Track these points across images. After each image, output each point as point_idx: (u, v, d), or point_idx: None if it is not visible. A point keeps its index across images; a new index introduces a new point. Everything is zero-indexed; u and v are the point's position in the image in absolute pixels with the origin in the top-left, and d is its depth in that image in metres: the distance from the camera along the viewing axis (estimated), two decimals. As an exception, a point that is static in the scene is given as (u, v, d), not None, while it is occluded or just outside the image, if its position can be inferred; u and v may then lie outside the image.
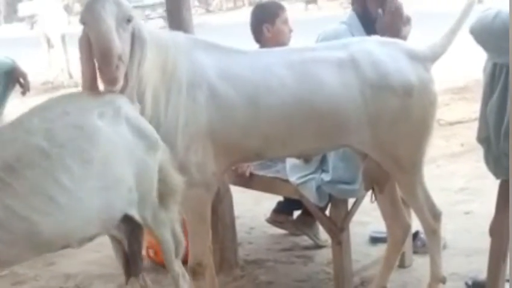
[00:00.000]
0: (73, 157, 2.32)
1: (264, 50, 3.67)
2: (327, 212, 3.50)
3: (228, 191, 3.78)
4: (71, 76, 11.48)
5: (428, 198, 3.07)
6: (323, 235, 3.99)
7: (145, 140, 2.50)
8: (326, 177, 3.33)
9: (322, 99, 2.84)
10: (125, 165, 2.43)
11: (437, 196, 3.20)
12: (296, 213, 4.21)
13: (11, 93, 3.90)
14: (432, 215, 3.08)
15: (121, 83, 2.55)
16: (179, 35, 2.97)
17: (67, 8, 19.10)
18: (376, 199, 3.37)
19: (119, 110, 2.48)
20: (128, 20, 2.62)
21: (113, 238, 2.72)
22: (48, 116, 2.41)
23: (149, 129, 2.56)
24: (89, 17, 2.59)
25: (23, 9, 20.78)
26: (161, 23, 18.52)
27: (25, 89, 3.88)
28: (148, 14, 20.80)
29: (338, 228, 3.41)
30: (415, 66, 2.91)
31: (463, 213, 4.43)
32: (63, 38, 11.41)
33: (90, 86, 2.64)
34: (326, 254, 3.92)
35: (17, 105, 3.64)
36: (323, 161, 3.36)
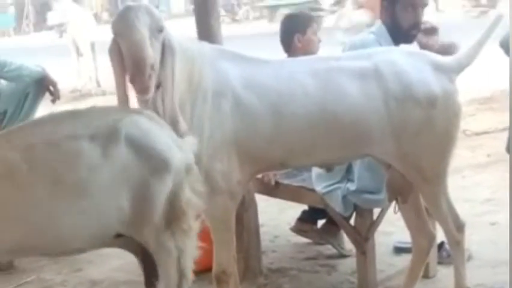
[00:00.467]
0: (44, 176, 2.36)
1: (288, 59, 3.71)
2: (352, 222, 3.51)
3: (253, 199, 3.79)
4: (98, 84, 11.54)
5: (451, 209, 3.06)
6: (347, 244, 3.99)
7: (149, 161, 2.42)
8: (352, 186, 3.34)
9: (344, 109, 2.85)
10: (116, 185, 2.39)
11: (463, 207, 3.19)
12: (320, 222, 4.21)
13: (41, 101, 3.97)
14: (456, 226, 3.07)
15: (152, 92, 2.59)
16: (204, 46, 3.00)
17: (96, 17, 19.20)
18: (399, 209, 3.36)
19: (118, 131, 2.42)
20: (160, 30, 2.65)
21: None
22: (36, 132, 2.47)
23: (158, 150, 2.45)
24: (122, 26, 2.62)
25: (52, 18, 20.87)
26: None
27: (55, 97, 3.95)
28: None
29: (363, 238, 3.42)
30: (439, 77, 2.91)
31: (488, 224, 4.38)
32: (92, 46, 11.47)
33: (122, 95, 2.70)
34: (350, 264, 3.91)
35: (47, 112, 3.70)
36: (349, 170, 3.38)
